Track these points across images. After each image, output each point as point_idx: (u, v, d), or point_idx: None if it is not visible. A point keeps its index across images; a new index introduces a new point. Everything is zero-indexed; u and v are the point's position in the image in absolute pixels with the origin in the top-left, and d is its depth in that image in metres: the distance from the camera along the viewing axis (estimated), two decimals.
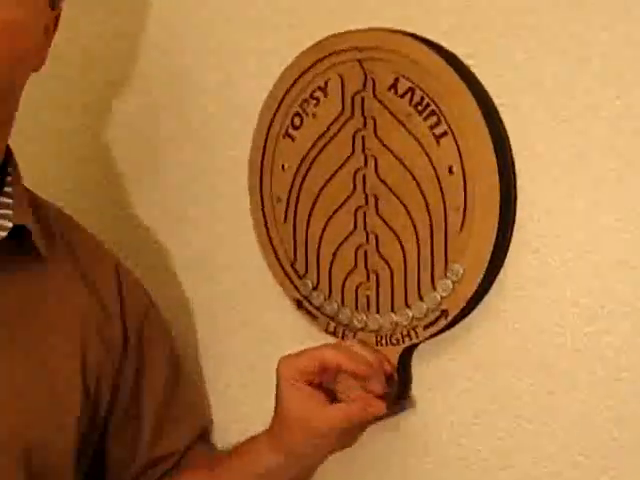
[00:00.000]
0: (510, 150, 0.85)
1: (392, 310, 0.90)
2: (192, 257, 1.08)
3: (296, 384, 0.87)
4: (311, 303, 0.95)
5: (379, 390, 0.87)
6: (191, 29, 1.05)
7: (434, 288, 0.87)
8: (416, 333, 0.90)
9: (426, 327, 0.89)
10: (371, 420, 0.88)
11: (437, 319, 0.89)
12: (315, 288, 0.95)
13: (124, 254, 1.05)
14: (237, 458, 0.96)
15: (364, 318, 0.92)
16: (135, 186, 1.12)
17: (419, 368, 0.93)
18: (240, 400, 1.06)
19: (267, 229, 0.97)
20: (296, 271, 0.96)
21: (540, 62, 0.83)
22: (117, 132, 1.13)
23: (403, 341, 0.90)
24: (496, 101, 0.85)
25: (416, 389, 0.93)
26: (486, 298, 0.87)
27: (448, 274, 0.86)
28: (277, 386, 0.88)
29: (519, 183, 0.85)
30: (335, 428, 0.87)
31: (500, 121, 0.85)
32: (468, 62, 0.86)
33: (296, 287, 0.95)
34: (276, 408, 0.90)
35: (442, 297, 0.87)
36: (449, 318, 0.88)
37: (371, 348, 0.89)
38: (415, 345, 0.91)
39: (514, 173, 0.85)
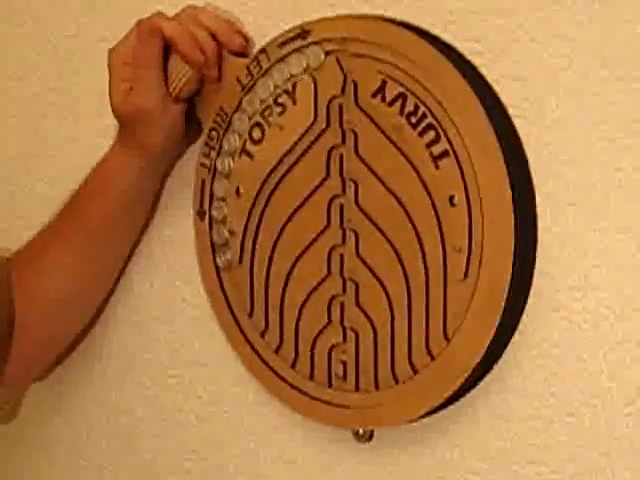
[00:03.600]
0: (529, 176, 0.78)
1: (376, 387, 0.82)
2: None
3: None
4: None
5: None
6: None
7: (431, 356, 0.79)
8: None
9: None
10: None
11: None
12: (277, 351, 0.87)
13: None
14: (88, 193, 0.91)
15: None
16: None
17: (412, 456, 0.85)
18: None
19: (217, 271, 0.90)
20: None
21: (573, 61, 0.75)
22: None
23: None
24: (512, 112, 0.78)
25: None
26: (495, 368, 0.80)
27: (448, 334, 0.78)
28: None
29: (541, 220, 0.78)
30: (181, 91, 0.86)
31: (517, 138, 0.78)
32: (477, 61, 0.79)
33: (250, 344, 0.89)
34: (117, 112, 0.88)
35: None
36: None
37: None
38: None
39: (534, 206, 0.78)
